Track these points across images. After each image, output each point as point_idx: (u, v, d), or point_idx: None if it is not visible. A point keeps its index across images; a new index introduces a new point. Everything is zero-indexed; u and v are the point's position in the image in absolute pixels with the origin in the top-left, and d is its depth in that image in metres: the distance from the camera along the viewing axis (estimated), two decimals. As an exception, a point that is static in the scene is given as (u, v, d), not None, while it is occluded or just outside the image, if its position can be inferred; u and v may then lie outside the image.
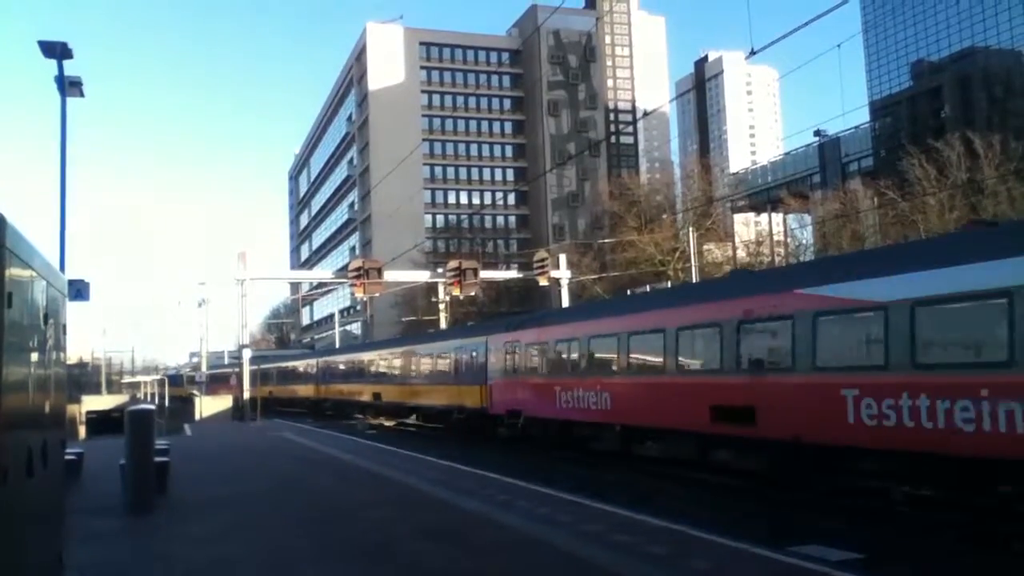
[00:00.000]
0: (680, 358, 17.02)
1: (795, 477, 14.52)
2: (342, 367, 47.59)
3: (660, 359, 17.52)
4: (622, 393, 19.04)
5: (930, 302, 11.48)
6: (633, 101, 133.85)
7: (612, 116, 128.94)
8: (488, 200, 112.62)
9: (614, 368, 19.52)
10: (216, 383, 60.59)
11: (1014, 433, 9.98)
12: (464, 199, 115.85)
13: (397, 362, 38.02)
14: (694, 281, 45.92)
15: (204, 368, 61.72)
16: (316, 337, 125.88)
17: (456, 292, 42.64)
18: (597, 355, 20.41)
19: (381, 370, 40.05)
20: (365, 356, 44.91)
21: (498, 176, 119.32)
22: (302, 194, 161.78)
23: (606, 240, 72.12)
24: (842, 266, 15.14)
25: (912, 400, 11.40)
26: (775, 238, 69.55)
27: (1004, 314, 10.36)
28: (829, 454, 13.25)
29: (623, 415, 19.07)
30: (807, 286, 13.96)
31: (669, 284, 47.07)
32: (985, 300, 10.81)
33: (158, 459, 13.65)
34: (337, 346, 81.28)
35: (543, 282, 45.72)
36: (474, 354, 28.23)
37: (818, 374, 13.13)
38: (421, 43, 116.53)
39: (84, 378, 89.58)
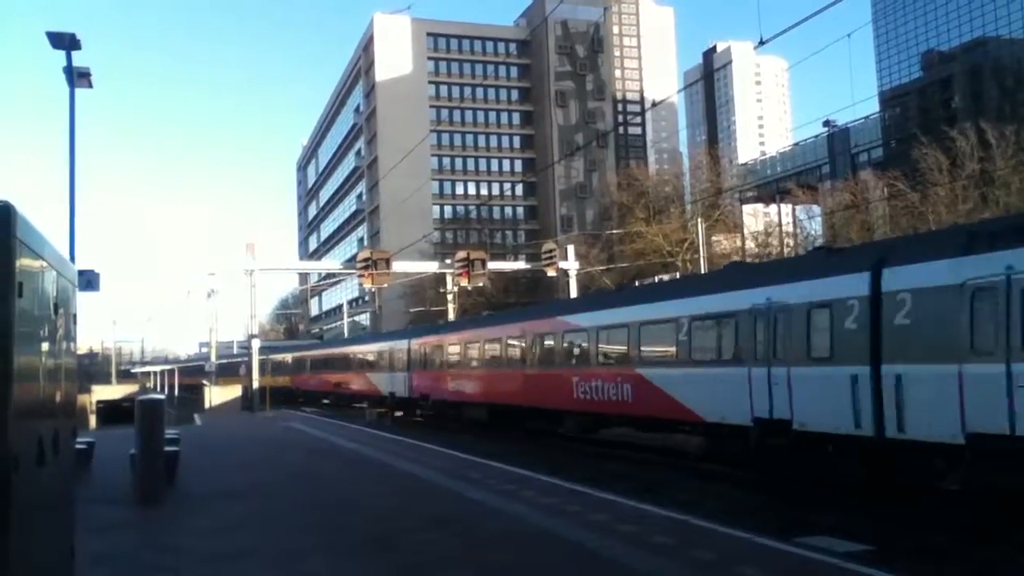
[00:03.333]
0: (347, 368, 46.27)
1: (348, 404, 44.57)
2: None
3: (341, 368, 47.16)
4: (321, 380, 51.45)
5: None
6: (641, 92, 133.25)
7: (620, 107, 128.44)
8: (496, 191, 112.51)
9: (338, 369, 47.56)
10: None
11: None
12: (472, 190, 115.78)
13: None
14: (678, 276, 46.16)
15: (214, 358, 61.87)
16: (325, 328, 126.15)
17: (464, 283, 42.78)
18: (327, 363, 51.25)
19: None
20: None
21: (506, 167, 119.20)
22: (310, 185, 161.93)
23: (614, 231, 71.92)
24: (365, 338, 57.85)
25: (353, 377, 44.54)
26: (784, 229, 69.35)
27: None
28: (353, 397, 43.99)
29: (334, 387, 48.61)
30: (358, 344, 49.70)
31: (678, 275, 46.96)
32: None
33: (168, 449, 13.72)
34: (347, 336, 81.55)
35: (551, 273, 45.81)
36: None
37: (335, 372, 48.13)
38: (429, 34, 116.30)
39: (94, 368, 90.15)
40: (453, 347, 30.28)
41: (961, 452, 10.86)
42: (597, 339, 20.43)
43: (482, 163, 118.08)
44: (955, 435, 10.72)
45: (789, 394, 13.59)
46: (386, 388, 37.53)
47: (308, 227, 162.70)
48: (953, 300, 10.89)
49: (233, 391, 48.04)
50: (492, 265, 46.83)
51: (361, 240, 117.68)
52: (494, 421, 26.77)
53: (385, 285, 49.77)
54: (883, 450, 12.16)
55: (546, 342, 23.35)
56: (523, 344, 24.76)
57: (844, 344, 12.62)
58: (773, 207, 78.26)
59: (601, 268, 63.60)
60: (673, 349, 17.22)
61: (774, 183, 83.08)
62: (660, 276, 27.32)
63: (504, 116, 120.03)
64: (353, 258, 56.26)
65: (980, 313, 10.57)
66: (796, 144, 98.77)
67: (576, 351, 21.78)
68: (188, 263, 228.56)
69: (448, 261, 48.50)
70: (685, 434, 18.36)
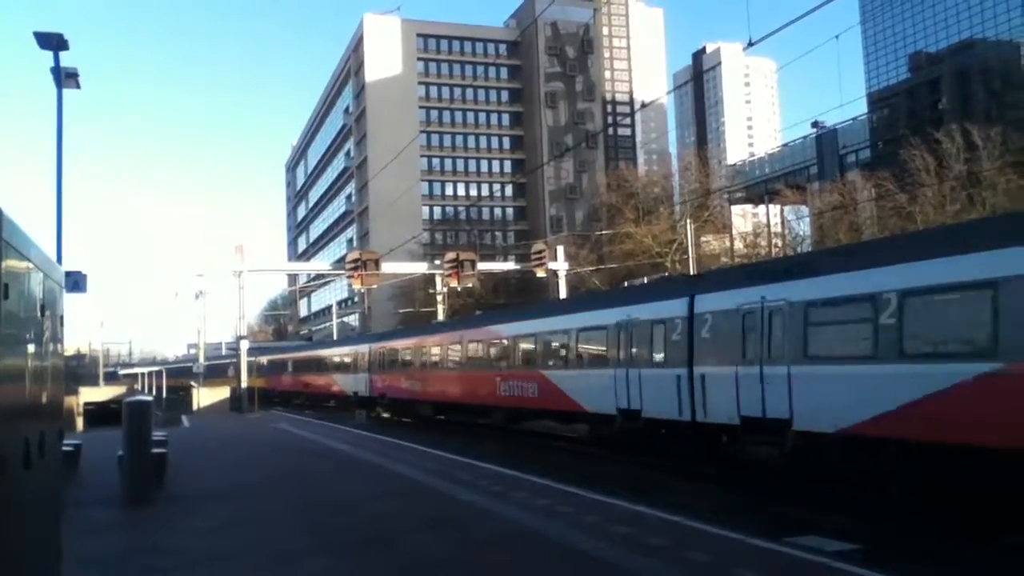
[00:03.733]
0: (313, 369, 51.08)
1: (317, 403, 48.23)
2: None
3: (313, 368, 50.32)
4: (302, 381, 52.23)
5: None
6: (631, 93, 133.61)
7: (610, 108, 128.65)
8: (486, 192, 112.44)
9: (309, 371, 51.35)
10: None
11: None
12: (462, 191, 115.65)
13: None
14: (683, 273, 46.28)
15: (202, 359, 61.64)
16: (314, 329, 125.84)
17: (454, 284, 42.73)
18: (299, 366, 55.02)
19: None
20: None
21: (496, 168, 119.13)
22: (299, 186, 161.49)
23: (604, 232, 72.02)
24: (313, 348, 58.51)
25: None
26: (773, 229, 69.58)
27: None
28: (322, 396, 47.88)
29: (305, 387, 51.35)
30: (326, 348, 53.38)
31: (667, 274, 47.05)
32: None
33: (156, 451, 13.63)
34: (335, 337, 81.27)
35: (541, 274, 45.74)
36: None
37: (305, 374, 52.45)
38: (418, 35, 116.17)
39: (82, 369, 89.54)
40: (406, 352, 35.06)
41: (738, 430, 14.94)
42: (515, 346, 24.92)
43: (472, 164, 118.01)
44: (732, 418, 14.85)
45: (640, 390, 17.93)
46: (351, 388, 41.83)
47: (297, 228, 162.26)
48: (733, 320, 15.06)
49: (221, 392, 47.88)
50: (482, 266, 46.75)
51: (350, 241, 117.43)
52: (439, 415, 32.21)
53: (374, 286, 49.65)
54: (695, 431, 16.34)
55: (478, 348, 28.03)
56: (461, 349, 29.13)
57: (673, 352, 16.93)
58: (762, 208, 78.49)
59: (591, 269, 63.65)
60: (565, 354, 22.03)
61: (763, 184, 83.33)
62: (651, 276, 27.57)
63: (494, 117, 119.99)
64: (342, 259, 56.15)
65: (748, 330, 14.62)
66: (785, 145, 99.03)
67: (500, 355, 26.05)
68: (177, 264, 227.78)
69: (438, 262, 48.40)
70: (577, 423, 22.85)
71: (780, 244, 64.93)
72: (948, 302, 11.28)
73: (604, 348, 19.78)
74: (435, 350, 31.51)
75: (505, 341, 25.57)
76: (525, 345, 24.28)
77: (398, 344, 36.57)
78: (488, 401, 26.35)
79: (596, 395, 19.74)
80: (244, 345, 44.26)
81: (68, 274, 17.79)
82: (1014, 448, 9.82)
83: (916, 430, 11.28)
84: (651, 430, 17.78)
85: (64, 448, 9.95)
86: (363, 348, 41.06)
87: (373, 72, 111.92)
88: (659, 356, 17.40)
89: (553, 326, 22.85)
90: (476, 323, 30.77)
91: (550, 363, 22.61)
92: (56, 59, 20.71)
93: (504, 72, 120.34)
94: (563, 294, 44.40)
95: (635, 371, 18.10)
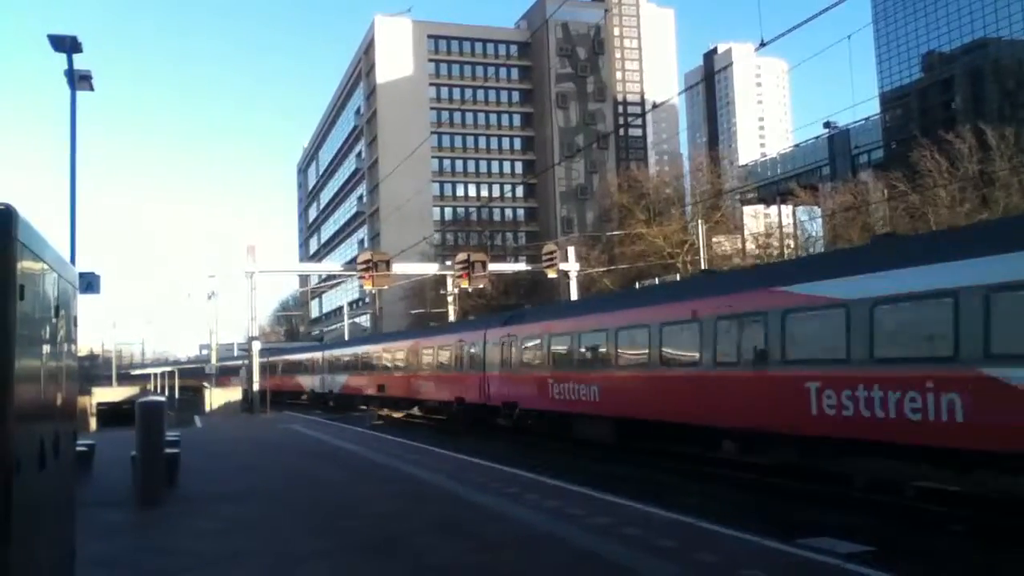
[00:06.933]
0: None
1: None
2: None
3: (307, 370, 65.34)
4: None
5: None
6: (642, 93, 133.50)
7: (621, 109, 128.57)
8: (496, 193, 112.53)
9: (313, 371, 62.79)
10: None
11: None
12: (472, 192, 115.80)
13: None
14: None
15: (214, 360, 61.88)
16: (325, 330, 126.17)
17: (465, 285, 42.73)
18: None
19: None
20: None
21: (506, 169, 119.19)
22: (311, 187, 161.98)
23: (615, 233, 71.94)
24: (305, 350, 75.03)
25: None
26: (785, 230, 69.33)
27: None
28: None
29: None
30: (325, 350, 63.34)
31: (678, 276, 46.96)
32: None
33: (168, 451, 13.66)
34: (346, 338, 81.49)
35: (551, 275, 45.72)
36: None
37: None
38: (429, 36, 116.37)
39: (95, 370, 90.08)
40: (276, 363, 61.76)
41: (329, 395, 48.40)
42: (289, 365, 59.34)
43: (483, 165, 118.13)
44: (327, 390, 48.48)
45: (316, 380, 52.70)
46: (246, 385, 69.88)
47: (308, 229, 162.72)
48: (331, 361, 49.21)
49: (233, 393, 48.17)
50: (492, 267, 46.75)
51: (361, 242, 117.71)
52: (288, 400, 57.16)
53: (385, 287, 49.73)
54: (324, 396, 49.53)
55: (285, 365, 60.04)
56: (281, 366, 59.46)
57: (320, 368, 50.96)
58: (774, 208, 78.25)
59: (601, 270, 63.59)
60: (304, 369, 56.06)
61: (775, 184, 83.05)
62: (663, 277, 27.51)
63: (505, 118, 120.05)
64: (353, 260, 56.45)
65: (328, 365, 49.39)
66: (797, 145, 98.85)
67: (288, 369, 58.81)
68: (189, 265, 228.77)
69: (448, 263, 48.44)
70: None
71: (792, 245, 64.69)
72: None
73: (312, 364, 51.03)
74: (280, 364, 60.71)
75: (290, 362, 58.75)
76: (292, 365, 57.23)
77: (275, 359, 67.15)
78: (287, 389, 56.54)
79: (311, 384, 50.76)
80: (256, 346, 44.34)
81: (82, 275, 17.91)
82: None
83: (363, 391, 41.94)
84: (320, 396, 47.26)
85: (78, 448, 10.01)
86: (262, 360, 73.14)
87: (384, 73, 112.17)
88: (319, 368, 49.00)
89: (299, 358, 56.54)
90: (288, 352, 64.96)
91: (299, 373, 55.21)
92: (69, 61, 20.83)
93: (515, 73, 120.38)
94: (574, 295, 44.41)
95: (318, 375, 48.46)
